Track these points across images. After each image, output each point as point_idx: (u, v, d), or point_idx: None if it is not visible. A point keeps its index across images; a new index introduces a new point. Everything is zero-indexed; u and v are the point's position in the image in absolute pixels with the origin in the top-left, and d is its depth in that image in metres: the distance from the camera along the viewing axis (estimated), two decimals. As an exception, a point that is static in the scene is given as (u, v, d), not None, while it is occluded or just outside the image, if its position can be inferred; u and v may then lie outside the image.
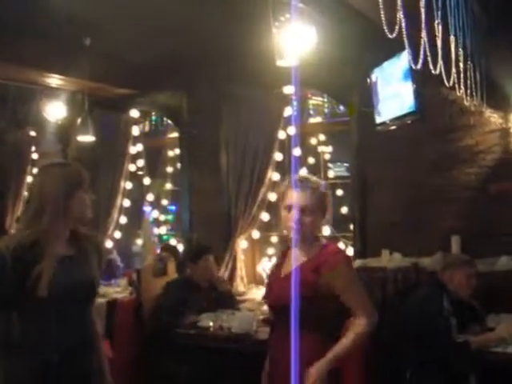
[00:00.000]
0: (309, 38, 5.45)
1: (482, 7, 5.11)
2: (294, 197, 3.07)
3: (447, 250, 6.20)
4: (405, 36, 3.05)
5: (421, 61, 3.45)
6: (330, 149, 8.55)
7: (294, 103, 7.63)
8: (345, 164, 8.60)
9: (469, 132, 6.49)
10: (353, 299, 3.03)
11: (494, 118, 6.30)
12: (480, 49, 5.12)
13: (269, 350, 3.26)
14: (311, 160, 8.35)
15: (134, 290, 7.04)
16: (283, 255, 3.32)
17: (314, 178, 3.21)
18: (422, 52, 3.34)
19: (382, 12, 2.98)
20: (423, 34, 3.23)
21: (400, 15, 2.95)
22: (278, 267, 3.33)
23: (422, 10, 3.17)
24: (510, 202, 6.15)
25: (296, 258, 3.08)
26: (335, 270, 3.00)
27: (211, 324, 5.40)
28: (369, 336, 3.08)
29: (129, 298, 6.95)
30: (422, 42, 3.28)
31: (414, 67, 3.62)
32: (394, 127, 6.28)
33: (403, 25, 3.01)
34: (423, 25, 3.26)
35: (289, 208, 3.11)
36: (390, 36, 3.08)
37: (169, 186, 9.59)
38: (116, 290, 7.51)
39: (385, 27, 3.04)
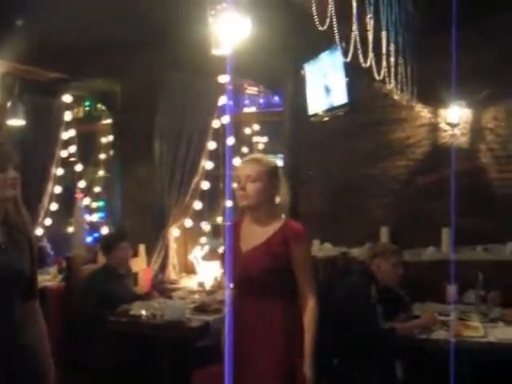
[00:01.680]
0: (244, 27, 5.47)
1: (416, 5, 5.25)
2: (240, 168, 3.38)
3: (377, 241, 6.35)
4: (335, 29, 3.10)
5: (351, 54, 3.51)
6: (264, 139, 8.60)
7: (229, 92, 7.63)
8: (279, 155, 8.67)
9: (400, 125, 6.66)
10: (306, 278, 3.30)
11: (423, 112, 6.48)
12: (411, 45, 5.26)
13: (233, 320, 3.36)
14: (245, 150, 8.35)
15: (64, 278, 6.93)
16: (236, 228, 3.44)
17: (261, 155, 3.60)
18: (352, 46, 3.40)
19: (313, 4, 3.01)
20: (354, 28, 3.28)
21: (331, 8, 2.99)
22: (235, 242, 3.42)
23: (354, 5, 3.22)
24: (437, 195, 6.34)
25: (257, 233, 3.36)
26: (301, 246, 3.27)
27: (143, 312, 5.36)
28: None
29: (58, 285, 6.85)
30: (353, 36, 3.34)
31: (345, 60, 3.68)
32: (326, 118, 6.38)
33: (334, 18, 3.06)
34: (354, 19, 3.32)
35: (237, 180, 3.39)
36: (320, 28, 3.13)
37: (101, 173, 9.44)
38: (46, 277, 7.38)
39: (316, 19, 3.08)
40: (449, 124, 6.47)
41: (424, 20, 5.65)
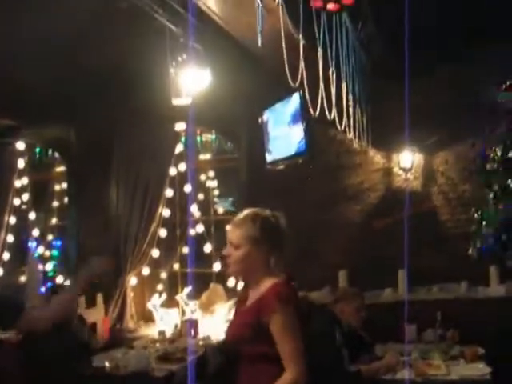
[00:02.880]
0: (203, 78, 5.62)
1: (368, 55, 5.49)
2: (227, 233, 3.13)
3: (335, 284, 6.47)
4: (306, 86, 3.24)
5: (319, 108, 3.66)
6: (217, 184, 8.68)
7: (189, 140, 7.74)
8: (230, 199, 8.77)
9: (355, 171, 6.86)
10: (284, 350, 2.93)
11: (377, 158, 6.71)
12: (366, 94, 5.48)
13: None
14: (200, 196, 8.41)
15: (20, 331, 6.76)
16: (243, 295, 3.28)
17: (249, 212, 3.12)
18: (319, 100, 3.55)
19: (285, 62, 3.15)
20: (321, 84, 3.44)
21: (302, 68, 3.14)
22: (239, 305, 3.31)
23: (320, 61, 3.38)
24: (393, 237, 6.51)
25: (251, 298, 3.10)
26: (271, 316, 2.91)
27: (107, 364, 5.31)
28: None
29: (14, 338, 6.67)
30: (321, 90, 3.49)
31: (312, 113, 3.82)
32: (282, 166, 6.51)
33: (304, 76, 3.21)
34: (320, 72, 3.48)
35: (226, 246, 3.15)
36: (292, 85, 3.27)
37: (54, 220, 9.32)
38: (-2, 329, 7.18)
39: (288, 77, 3.22)
40: (402, 169, 6.72)
41: (377, 70, 5.90)
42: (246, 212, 3.13)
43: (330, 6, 3.27)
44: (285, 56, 3.18)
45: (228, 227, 3.17)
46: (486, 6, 5.97)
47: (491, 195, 6.30)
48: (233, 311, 3.54)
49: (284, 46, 3.16)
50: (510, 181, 6.19)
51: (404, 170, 6.75)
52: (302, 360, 2.94)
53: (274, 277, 3.06)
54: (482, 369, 4.79)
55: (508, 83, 6.40)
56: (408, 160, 6.68)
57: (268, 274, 3.06)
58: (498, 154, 6.32)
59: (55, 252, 9.34)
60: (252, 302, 3.09)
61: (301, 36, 3.36)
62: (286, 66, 3.20)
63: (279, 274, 3.11)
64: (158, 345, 6.33)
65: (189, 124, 7.38)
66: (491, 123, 6.51)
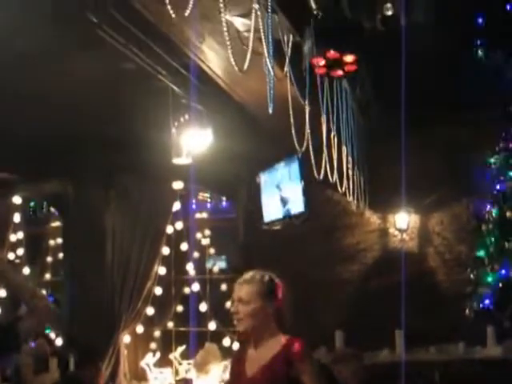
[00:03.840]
0: (204, 139, 5.73)
1: (366, 118, 5.63)
2: (234, 290, 3.16)
3: (331, 344, 6.44)
4: (311, 150, 3.33)
5: (323, 171, 3.75)
6: (213, 243, 8.71)
7: (189, 199, 7.82)
8: (222, 257, 8.80)
9: (351, 231, 6.92)
10: None
11: (373, 218, 6.80)
12: (363, 157, 5.60)
13: None
14: (196, 254, 8.42)
15: (12, 388, 6.68)
16: (239, 358, 3.32)
17: (255, 272, 3.21)
18: (323, 165, 3.64)
19: (292, 128, 3.24)
20: (324, 147, 3.53)
21: (308, 133, 3.23)
22: (240, 367, 3.31)
23: (324, 126, 3.48)
24: (389, 298, 6.52)
25: (258, 357, 3.11)
26: (306, 364, 3.02)
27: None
28: None
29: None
30: (324, 155, 3.58)
31: (317, 178, 3.90)
32: (278, 227, 6.56)
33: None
34: (324, 139, 3.58)
35: (232, 302, 3.21)
36: (299, 152, 3.36)
37: (48, 276, 9.27)
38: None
39: (295, 141, 3.31)
40: (398, 229, 6.79)
41: (375, 133, 6.03)
42: (252, 272, 3.23)
43: (334, 73, 3.38)
44: (292, 121, 3.28)
45: (236, 285, 3.21)
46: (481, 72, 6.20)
47: (487, 256, 6.36)
48: (228, 371, 3.54)
49: (291, 112, 3.26)
50: (504, 241, 6.26)
51: (400, 230, 6.83)
52: None
53: (282, 335, 3.13)
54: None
55: (500, 145, 6.57)
56: (404, 221, 6.77)
57: (276, 332, 3.13)
58: (493, 214, 6.41)
59: (49, 308, 9.26)
60: (274, 354, 3.10)
61: (307, 102, 3.47)
62: (293, 131, 3.29)
63: (284, 333, 3.17)
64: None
65: (189, 183, 7.46)
66: (486, 184, 6.62)
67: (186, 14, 2.19)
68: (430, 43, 5.97)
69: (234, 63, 2.47)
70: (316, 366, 3.13)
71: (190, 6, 2.14)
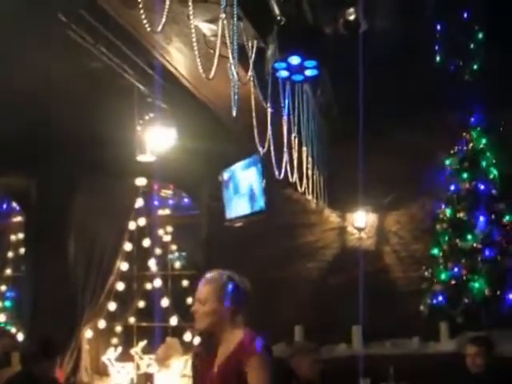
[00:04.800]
0: (169, 137, 5.84)
1: (327, 120, 5.81)
2: (196, 294, 3.27)
3: (291, 339, 6.62)
4: (272, 151, 3.48)
5: (283, 171, 3.90)
6: (175, 240, 8.80)
7: (151, 195, 7.89)
8: (182, 253, 8.90)
9: (310, 229, 7.11)
10: None
11: (332, 217, 6.99)
12: (323, 157, 5.77)
13: None
14: (158, 251, 8.49)
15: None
16: (211, 351, 3.39)
17: (215, 272, 3.31)
18: (284, 164, 3.79)
19: (255, 130, 3.38)
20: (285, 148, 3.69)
21: (269, 135, 3.38)
22: (208, 363, 3.40)
23: (284, 128, 3.63)
24: (347, 294, 6.73)
25: (221, 353, 3.19)
26: (253, 359, 3.05)
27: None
28: None
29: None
30: (285, 155, 3.73)
31: (277, 177, 4.06)
32: (240, 224, 6.71)
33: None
34: (285, 140, 3.73)
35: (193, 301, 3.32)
36: (261, 153, 3.50)
37: (8, 271, 9.24)
38: None
39: (257, 143, 3.45)
40: (356, 228, 7.00)
41: (335, 134, 6.21)
42: (213, 272, 3.32)
43: (295, 77, 3.52)
44: (254, 123, 3.41)
45: (198, 286, 3.30)
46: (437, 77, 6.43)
47: (441, 254, 6.60)
48: (189, 366, 3.64)
49: (254, 114, 3.40)
50: (457, 240, 6.51)
51: (358, 229, 7.04)
52: None
53: (241, 330, 3.20)
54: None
55: (455, 149, 6.82)
56: (362, 220, 6.98)
57: (237, 329, 3.20)
58: (447, 214, 6.66)
59: (7, 303, 9.24)
60: (229, 352, 3.16)
61: (269, 105, 3.61)
62: (256, 132, 3.43)
63: (244, 328, 3.25)
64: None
65: (152, 180, 7.56)
66: (441, 185, 6.87)
67: (159, 29, 2.30)
68: (390, 47, 6.18)
69: (200, 68, 2.59)
70: (266, 363, 3.08)
71: (163, 20, 2.24)
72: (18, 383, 5.72)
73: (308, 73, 3.56)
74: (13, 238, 9.26)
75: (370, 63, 4.83)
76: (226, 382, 3.12)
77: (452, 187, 6.74)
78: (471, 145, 6.80)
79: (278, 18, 3.29)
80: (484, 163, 6.76)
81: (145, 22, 2.36)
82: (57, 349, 5.85)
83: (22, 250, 8.89)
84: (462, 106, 6.65)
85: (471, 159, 6.77)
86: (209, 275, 3.31)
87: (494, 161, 6.78)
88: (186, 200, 8.82)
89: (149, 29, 2.36)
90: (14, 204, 9.24)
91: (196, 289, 3.31)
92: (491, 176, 6.71)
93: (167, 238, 8.60)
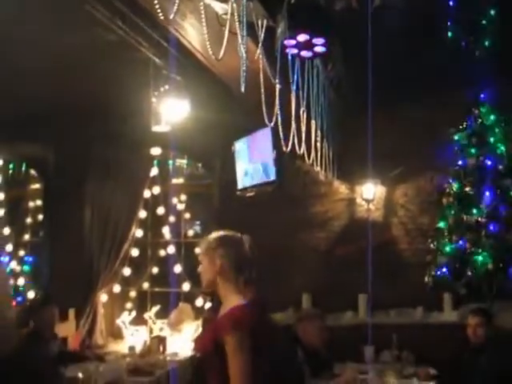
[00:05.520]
0: (183, 108, 6.00)
1: (337, 94, 5.93)
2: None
3: (299, 306, 6.84)
4: (280, 126, 3.63)
5: (290, 143, 4.06)
6: (189, 208, 8.99)
7: (166, 165, 8.07)
8: (197, 222, 9.09)
9: (320, 200, 7.27)
10: (231, 372, 3.07)
11: (341, 188, 7.14)
12: (332, 130, 5.91)
13: None
14: (172, 219, 8.69)
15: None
16: (211, 314, 3.57)
17: (213, 233, 3.34)
18: (291, 137, 3.95)
19: (263, 104, 3.53)
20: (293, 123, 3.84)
21: (277, 109, 3.53)
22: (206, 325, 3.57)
23: (293, 102, 3.78)
24: (354, 264, 6.92)
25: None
26: (224, 337, 3.07)
27: (80, 375, 5.56)
28: None
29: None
30: (292, 128, 3.89)
31: (284, 149, 4.22)
32: (252, 193, 6.87)
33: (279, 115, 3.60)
34: (293, 111, 3.88)
35: None
36: (268, 125, 3.66)
37: (27, 236, 9.50)
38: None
39: (265, 116, 3.61)
40: (364, 199, 7.16)
41: (345, 107, 6.33)
42: (213, 235, 3.34)
43: (304, 54, 3.66)
44: (263, 98, 3.56)
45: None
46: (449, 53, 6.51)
47: (446, 227, 6.75)
48: (200, 329, 3.81)
49: (262, 90, 3.56)
50: (463, 214, 6.65)
51: (366, 200, 7.20)
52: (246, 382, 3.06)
53: (241, 296, 3.21)
54: (432, 387, 5.20)
55: (464, 124, 6.92)
56: (370, 192, 7.13)
57: (236, 293, 3.21)
58: (454, 188, 6.79)
59: (26, 267, 9.51)
60: (216, 320, 3.24)
61: (277, 80, 3.76)
62: (264, 107, 3.58)
63: (247, 294, 3.29)
64: (128, 359, 6.58)
65: (166, 150, 7.74)
66: (449, 160, 6.98)
67: (173, 12, 2.45)
68: (402, 23, 6.25)
69: (209, 47, 2.75)
70: (241, 341, 3.06)
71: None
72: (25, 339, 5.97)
73: (317, 49, 3.70)
74: (31, 204, 9.48)
75: (382, 38, 4.95)
76: (202, 348, 3.25)
77: (460, 162, 6.85)
78: (480, 121, 6.89)
79: (288, -4, 3.42)
80: (492, 139, 6.85)
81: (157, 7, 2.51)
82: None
83: (40, 217, 9.15)
84: (473, 82, 6.71)
85: (479, 135, 6.86)
86: (210, 235, 3.34)
87: (501, 137, 6.87)
88: (199, 169, 9.00)
89: (162, 17, 2.51)
90: (32, 171, 9.46)
91: None
92: (499, 152, 6.81)
93: (181, 206, 8.79)
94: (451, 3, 6.79)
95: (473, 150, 6.82)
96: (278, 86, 3.75)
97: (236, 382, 3.03)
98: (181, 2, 2.78)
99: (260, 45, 3.38)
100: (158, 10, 3.39)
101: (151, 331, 7.85)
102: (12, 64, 6.04)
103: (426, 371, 5.59)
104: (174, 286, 8.10)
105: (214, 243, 3.27)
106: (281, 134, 4.00)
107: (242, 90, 3.10)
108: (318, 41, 3.64)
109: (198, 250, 3.39)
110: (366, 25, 4.76)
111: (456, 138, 6.93)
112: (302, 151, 4.47)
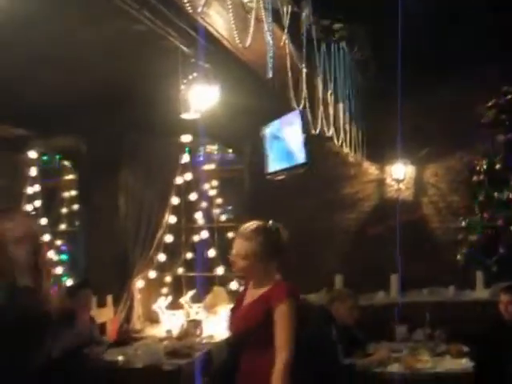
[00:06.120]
0: (212, 95, 6.07)
1: (364, 77, 5.96)
2: (234, 243, 3.55)
3: (331, 287, 6.91)
4: (307, 107, 3.70)
5: (319, 127, 4.13)
6: (220, 193, 9.10)
7: (197, 151, 8.18)
8: (229, 207, 9.19)
9: (350, 182, 7.33)
10: (280, 337, 3.34)
11: (371, 169, 7.18)
12: (361, 112, 5.95)
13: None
14: (204, 204, 8.80)
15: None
16: (241, 295, 3.74)
17: (251, 226, 3.52)
18: (319, 119, 4.01)
19: (291, 89, 3.61)
20: (320, 106, 3.90)
21: (304, 92, 3.60)
22: (238, 304, 3.73)
23: (320, 86, 3.84)
24: (384, 244, 6.97)
25: (252, 295, 3.55)
26: (280, 306, 3.34)
27: (119, 358, 5.71)
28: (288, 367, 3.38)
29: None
30: (320, 111, 3.95)
31: (313, 132, 4.28)
32: (282, 177, 6.94)
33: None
34: (320, 95, 3.94)
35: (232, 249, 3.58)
36: (296, 108, 3.73)
37: (63, 226, 9.70)
38: None
39: (293, 100, 3.68)
40: (394, 180, 7.19)
41: (372, 89, 6.35)
42: (252, 225, 3.55)
43: (329, 37, 3.73)
44: (290, 83, 3.64)
45: (236, 235, 3.59)
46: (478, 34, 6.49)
47: (477, 205, 6.76)
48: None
49: (290, 74, 3.63)
50: (494, 191, 6.65)
51: (396, 181, 7.23)
52: (292, 348, 3.36)
53: (275, 278, 3.50)
54: (465, 364, 5.24)
55: (492, 102, 6.90)
56: (400, 172, 7.16)
57: (269, 278, 3.49)
58: (484, 166, 6.79)
59: (64, 256, 9.72)
60: (258, 295, 3.50)
61: (304, 65, 3.82)
62: (292, 91, 3.65)
63: (275, 276, 3.55)
64: (165, 342, 6.73)
65: (197, 137, 7.84)
66: (479, 138, 6.98)
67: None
68: (428, 4, 6.26)
69: (236, 35, 2.81)
70: (292, 310, 3.37)
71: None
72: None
73: (341, 33, 3.76)
74: (66, 194, 9.67)
75: (408, 18, 4.97)
76: (249, 321, 3.43)
77: (489, 140, 6.85)
78: (509, 97, 6.86)
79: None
80: (521, 116, 6.83)
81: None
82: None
83: (76, 207, 9.34)
84: (498, 59, 6.68)
85: (509, 112, 6.84)
86: (248, 229, 3.53)
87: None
88: (229, 155, 9.09)
89: (189, 8, 2.58)
90: (66, 162, 9.65)
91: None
92: (528, 129, 6.79)
93: (213, 192, 8.90)
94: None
95: (501, 127, 6.80)
96: (304, 70, 3.81)
97: (283, 348, 3.31)
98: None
99: (285, 30, 3.44)
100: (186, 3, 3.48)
101: (188, 315, 7.99)
102: (42, 55, 6.19)
103: (458, 348, 5.63)
104: (208, 271, 8.23)
105: (253, 232, 3.48)
106: (309, 116, 4.06)
107: (270, 75, 3.17)
108: (341, 25, 3.70)
109: (233, 235, 3.53)
110: (393, 6, 4.80)
111: (484, 115, 6.91)
112: (330, 133, 4.52)
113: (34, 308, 3.22)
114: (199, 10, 2.63)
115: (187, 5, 2.64)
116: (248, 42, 2.87)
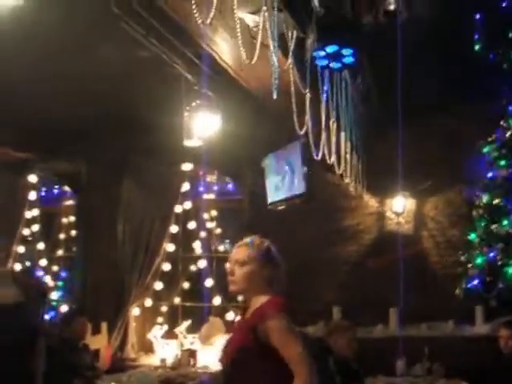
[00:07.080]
0: (214, 123, 6.11)
1: (366, 106, 6.00)
2: (232, 253, 3.31)
3: (329, 319, 6.85)
4: (310, 134, 3.71)
5: (321, 153, 4.13)
6: (219, 223, 9.07)
7: (197, 180, 8.19)
8: (227, 240, 9.15)
9: (350, 213, 7.32)
10: (291, 354, 2.97)
11: (371, 202, 7.18)
12: (362, 142, 5.97)
13: None
14: (203, 233, 8.77)
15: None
16: (237, 323, 3.57)
17: (254, 237, 3.35)
18: (321, 147, 4.02)
19: (294, 115, 3.62)
20: (323, 133, 3.91)
21: (307, 120, 3.61)
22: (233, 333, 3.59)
23: (323, 113, 3.85)
24: (385, 277, 6.93)
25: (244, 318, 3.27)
26: (268, 324, 3.00)
27: (113, 385, 5.65)
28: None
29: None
30: (323, 138, 3.96)
31: (315, 157, 4.29)
32: (282, 207, 6.94)
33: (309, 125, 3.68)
34: (323, 124, 3.96)
35: (228, 265, 3.34)
36: (300, 135, 3.74)
37: (61, 252, 9.65)
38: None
39: (296, 127, 3.69)
40: (394, 212, 7.19)
41: (374, 119, 6.39)
42: (251, 236, 3.36)
43: (333, 65, 3.75)
44: (294, 109, 3.65)
45: (234, 248, 3.37)
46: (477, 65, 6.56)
47: (477, 239, 6.73)
48: None
49: (294, 100, 3.64)
50: (493, 226, 6.63)
51: (396, 214, 7.23)
52: (310, 361, 2.97)
53: (267, 296, 3.17)
54: (464, 399, 5.18)
55: (493, 137, 6.92)
56: (400, 205, 7.16)
57: (263, 294, 3.18)
58: (484, 201, 6.78)
59: (60, 282, 9.66)
60: (249, 314, 3.21)
61: (308, 91, 3.84)
62: (295, 118, 3.66)
63: (279, 295, 3.22)
64: (160, 371, 6.66)
65: (198, 165, 7.85)
66: (477, 172, 6.99)
67: (208, 22, 2.56)
68: (430, 35, 6.32)
69: (244, 56, 2.84)
70: (287, 323, 3.01)
71: (212, 11, 2.50)
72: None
73: (345, 61, 3.79)
74: (64, 220, 9.66)
75: (409, 51, 5.02)
76: (240, 344, 3.11)
77: (489, 174, 6.84)
78: (509, 133, 6.88)
79: (317, 9, 3.51)
80: (521, 151, 6.84)
81: (196, 15, 2.61)
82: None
83: (74, 232, 9.31)
84: (500, 95, 6.73)
85: (509, 147, 6.85)
86: (249, 239, 3.34)
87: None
88: (229, 185, 9.10)
89: (200, 21, 2.60)
90: (66, 188, 9.65)
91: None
92: (528, 163, 6.79)
93: (212, 222, 8.88)
94: (478, 16, 6.84)
95: (502, 162, 6.80)
96: (308, 96, 3.83)
97: (299, 364, 2.94)
98: (213, 16, 2.88)
99: (290, 55, 3.47)
100: (193, 26, 3.50)
101: (182, 345, 7.91)
102: (47, 82, 6.24)
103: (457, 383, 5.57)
104: (204, 301, 8.17)
105: (261, 250, 3.27)
106: (311, 142, 4.07)
107: (275, 96, 3.18)
108: (347, 52, 3.73)
109: (237, 251, 3.41)
110: (393, 38, 4.84)
111: (485, 150, 6.92)
112: (331, 161, 4.52)
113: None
114: (208, 21, 2.63)
115: (196, 14, 2.63)
116: (254, 61, 2.87)
